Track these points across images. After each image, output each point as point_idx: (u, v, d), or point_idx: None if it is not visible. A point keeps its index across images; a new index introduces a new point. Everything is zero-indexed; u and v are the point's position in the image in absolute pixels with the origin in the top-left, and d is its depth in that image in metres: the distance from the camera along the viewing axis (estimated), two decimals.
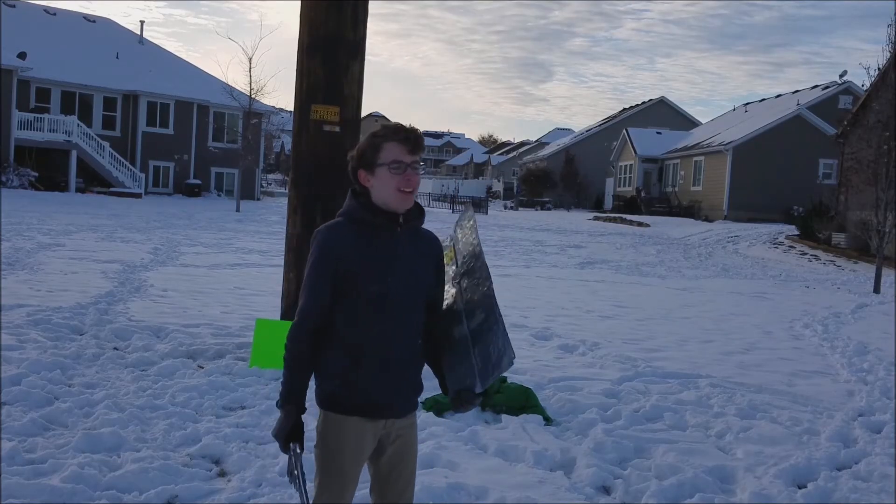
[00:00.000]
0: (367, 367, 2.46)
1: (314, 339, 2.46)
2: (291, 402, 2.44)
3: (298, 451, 2.44)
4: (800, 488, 4.51)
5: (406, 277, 2.49)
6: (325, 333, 2.48)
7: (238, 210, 31.35)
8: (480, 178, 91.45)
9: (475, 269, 2.62)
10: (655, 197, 44.38)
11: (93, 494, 3.83)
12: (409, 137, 2.45)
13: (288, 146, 70.82)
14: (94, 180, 34.04)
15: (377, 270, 2.45)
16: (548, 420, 5.54)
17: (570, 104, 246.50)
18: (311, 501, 2.48)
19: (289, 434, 2.42)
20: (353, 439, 2.47)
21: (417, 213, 2.55)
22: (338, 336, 2.48)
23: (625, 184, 48.43)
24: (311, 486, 2.51)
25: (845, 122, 26.58)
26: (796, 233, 28.55)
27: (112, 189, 33.67)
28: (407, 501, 2.61)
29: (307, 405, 2.49)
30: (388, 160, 2.43)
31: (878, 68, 20.61)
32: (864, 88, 24.74)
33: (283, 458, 4.33)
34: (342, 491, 2.50)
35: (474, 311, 2.52)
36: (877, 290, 16.69)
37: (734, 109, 48.74)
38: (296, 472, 2.42)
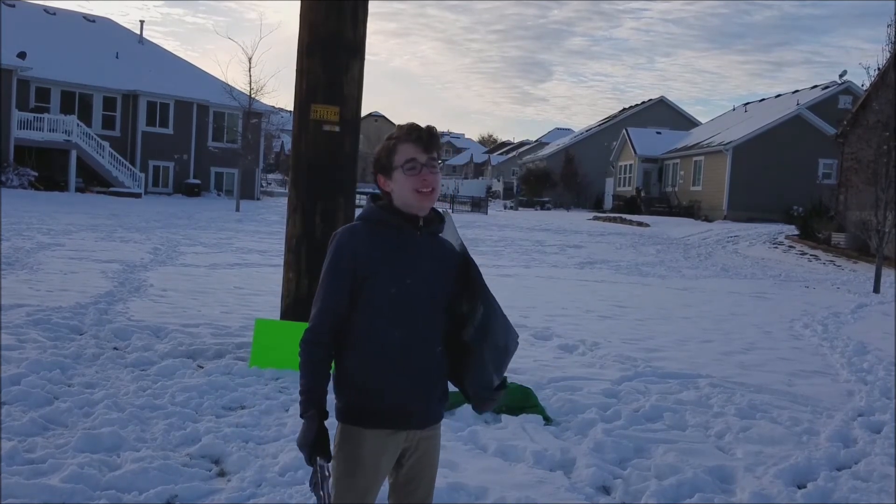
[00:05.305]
0: (386, 374, 2.36)
1: (331, 344, 2.38)
2: (313, 407, 2.32)
3: (324, 468, 2.26)
4: (799, 488, 4.51)
5: (425, 280, 2.41)
6: (342, 341, 2.40)
7: (238, 210, 31.36)
8: (480, 178, 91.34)
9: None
10: (655, 197, 44.42)
11: (92, 494, 3.83)
12: (421, 136, 2.40)
13: (288, 146, 70.76)
14: (94, 180, 34.06)
15: (396, 272, 2.37)
16: (547, 420, 5.54)
17: (570, 104, 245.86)
18: None
19: (313, 444, 2.29)
20: (370, 455, 2.37)
21: (437, 219, 2.48)
22: (355, 344, 2.38)
23: (624, 184, 48.44)
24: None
25: (845, 122, 26.59)
26: (796, 233, 28.55)
27: (112, 189, 33.69)
28: None
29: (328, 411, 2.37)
30: (402, 161, 2.38)
31: (878, 68, 20.61)
32: (864, 88, 24.72)
33: (283, 458, 4.33)
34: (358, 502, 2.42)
35: (475, 307, 2.48)
36: (877, 290, 16.69)
37: (734, 109, 48.75)
38: (321, 492, 2.24)
